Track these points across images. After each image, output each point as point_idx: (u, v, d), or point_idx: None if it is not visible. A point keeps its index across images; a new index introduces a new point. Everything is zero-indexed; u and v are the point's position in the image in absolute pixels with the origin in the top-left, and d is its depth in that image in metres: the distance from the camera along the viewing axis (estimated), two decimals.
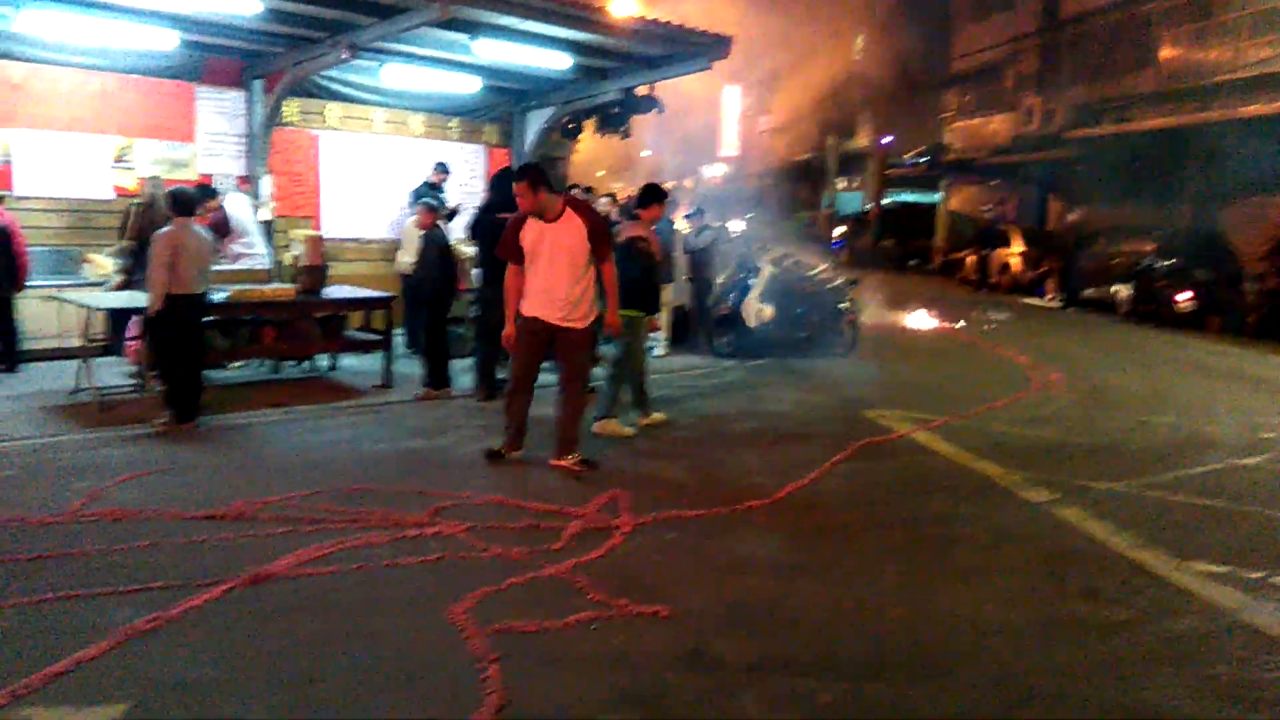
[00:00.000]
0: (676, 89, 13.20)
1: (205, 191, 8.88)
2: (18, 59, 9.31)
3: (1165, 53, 18.32)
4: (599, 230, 6.07)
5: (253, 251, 9.93)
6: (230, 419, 7.14)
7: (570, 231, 5.96)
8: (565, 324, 6.05)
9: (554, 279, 6.01)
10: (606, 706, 3.24)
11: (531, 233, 6.00)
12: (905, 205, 30.08)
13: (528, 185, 5.89)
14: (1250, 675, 3.61)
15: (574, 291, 6.02)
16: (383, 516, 4.99)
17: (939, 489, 6.06)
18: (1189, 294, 15.28)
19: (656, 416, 7.52)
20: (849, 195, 35.39)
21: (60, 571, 4.14)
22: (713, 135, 37.75)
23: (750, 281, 10.98)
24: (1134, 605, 4.26)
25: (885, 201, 30.59)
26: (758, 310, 10.82)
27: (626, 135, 12.83)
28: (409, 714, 3.15)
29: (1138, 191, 19.93)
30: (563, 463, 6.10)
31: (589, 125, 12.97)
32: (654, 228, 7.67)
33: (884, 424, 7.79)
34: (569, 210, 5.99)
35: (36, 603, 3.81)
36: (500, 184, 7.93)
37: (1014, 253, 21.32)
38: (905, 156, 31.14)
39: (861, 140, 33.56)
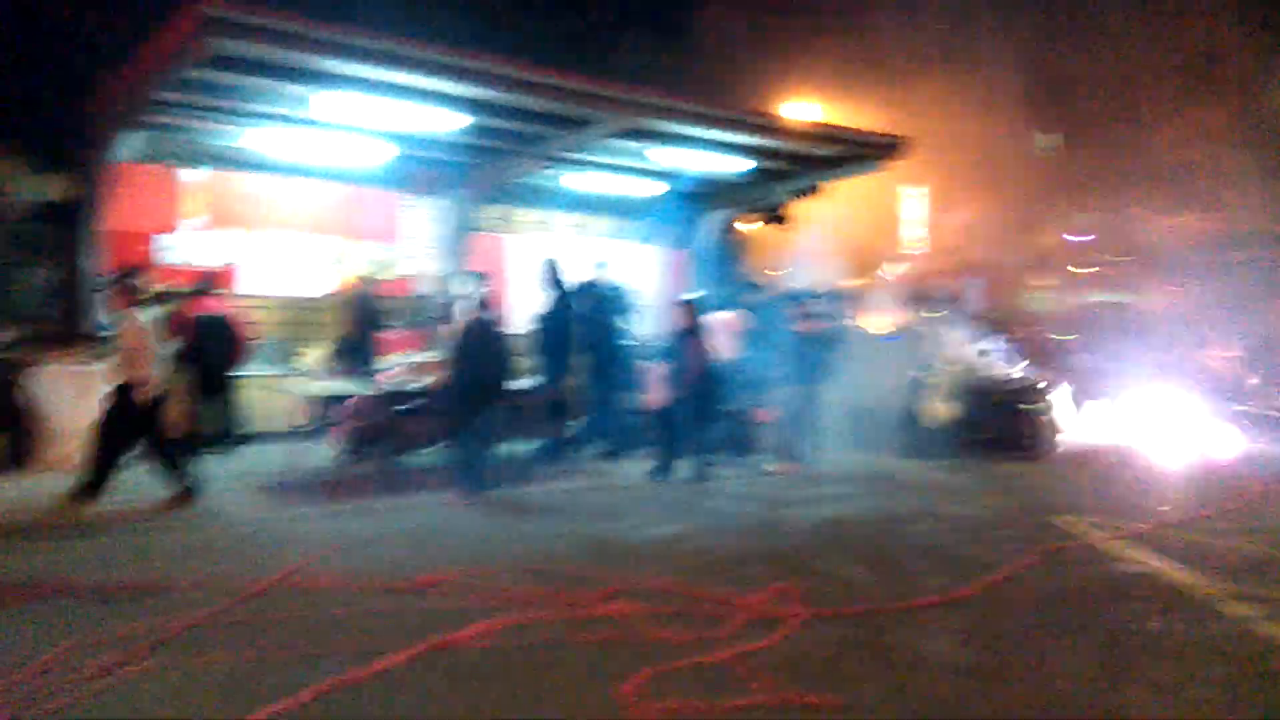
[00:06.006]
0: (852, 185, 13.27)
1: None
2: (244, 169, 10.41)
3: None
4: None
5: None
6: (429, 498, 7.69)
7: None
8: None
9: None
10: None
11: None
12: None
13: None
14: None
15: None
16: (558, 595, 5.18)
17: (1131, 597, 5.69)
18: None
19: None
20: (1041, 295, 34.13)
21: (258, 634, 4.53)
22: (892, 230, 37.46)
23: (932, 380, 10.77)
24: None
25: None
26: (938, 409, 10.58)
27: (782, 223, 12.88)
28: None
29: None
30: None
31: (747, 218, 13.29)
32: None
33: (1074, 530, 7.41)
34: None
35: (236, 660, 4.19)
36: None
37: (1218, 355, 19.92)
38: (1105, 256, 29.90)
39: (1049, 237, 32.49)
